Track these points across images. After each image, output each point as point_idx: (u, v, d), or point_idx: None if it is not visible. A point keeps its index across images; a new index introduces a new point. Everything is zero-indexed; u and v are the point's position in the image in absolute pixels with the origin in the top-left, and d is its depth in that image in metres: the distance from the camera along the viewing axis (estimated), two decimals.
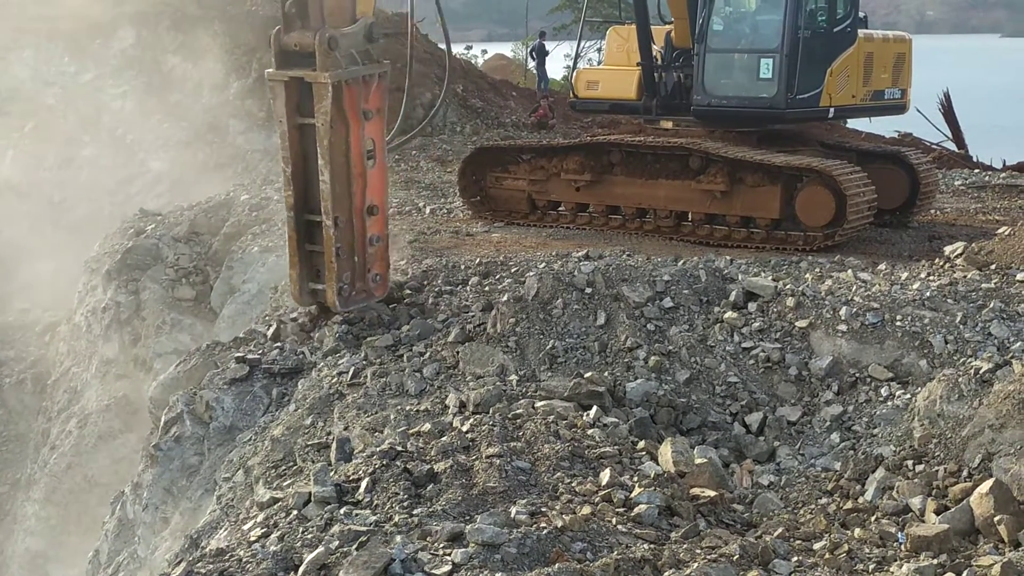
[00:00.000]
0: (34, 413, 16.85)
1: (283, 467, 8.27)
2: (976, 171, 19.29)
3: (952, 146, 21.91)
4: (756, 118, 12.31)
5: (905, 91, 13.33)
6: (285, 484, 7.87)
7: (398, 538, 5.88)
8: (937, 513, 6.45)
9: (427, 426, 7.52)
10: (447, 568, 5.61)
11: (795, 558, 6.04)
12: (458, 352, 8.98)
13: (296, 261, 9.64)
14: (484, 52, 43.71)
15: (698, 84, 12.31)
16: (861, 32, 12.57)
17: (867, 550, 6.15)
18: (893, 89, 13.07)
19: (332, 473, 6.93)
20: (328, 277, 9.41)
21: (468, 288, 10.07)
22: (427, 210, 14.59)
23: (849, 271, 9.87)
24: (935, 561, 5.90)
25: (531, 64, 32.66)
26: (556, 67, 31.94)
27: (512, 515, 6.10)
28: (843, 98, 12.33)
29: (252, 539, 6.36)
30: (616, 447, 7.22)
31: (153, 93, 23.04)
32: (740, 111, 12.23)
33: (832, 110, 12.30)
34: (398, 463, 6.79)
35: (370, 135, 9.51)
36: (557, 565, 5.62)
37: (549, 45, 31.14)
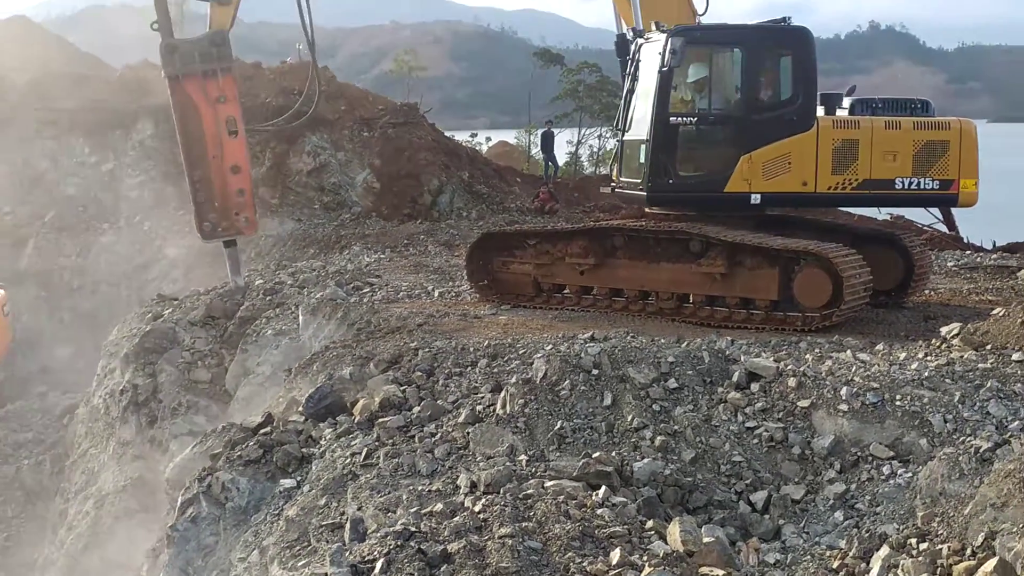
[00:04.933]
0: (52, 494, 16.90)
1: (298, 547, 8.37)
2: (968, 252, 19.57)
3: (943, 227, 22.29)
4: (637, 201, 13.38)
5: (951, 182, 12.60)
6: (300, 564, 7.98)
7: None
8: None
9: (439, 506, 7.65)
10: None
11: None
12: (468, 433, 9.13)
13: (194, 207, 15.45)
14: (488, 139, 44.90)
15: (618, 167, 13.61)
16: (833, 116, 12.62)
17: None
18: (919, 179, 12.63)
19: (347, 554, 7.07)
20: (195, 216, 15.49)
21: (477, 370, 10.27)
22: (436, 293, 14.91)
23: (848, 351, 10.04)
24: None
25: (535, 151, 33.57)
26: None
27: None
28: (780, 185, 12.39)
29: None
30: (625, 527, 7.31)
31: (170, 182, 23.68)
32: (629, 194, 13.36)
33: (756, 196, 12.39)
34: (412, 543, 6.92)
35: (228, 113, 14.62)
36: None
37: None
